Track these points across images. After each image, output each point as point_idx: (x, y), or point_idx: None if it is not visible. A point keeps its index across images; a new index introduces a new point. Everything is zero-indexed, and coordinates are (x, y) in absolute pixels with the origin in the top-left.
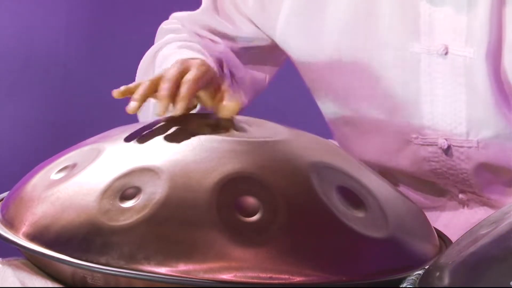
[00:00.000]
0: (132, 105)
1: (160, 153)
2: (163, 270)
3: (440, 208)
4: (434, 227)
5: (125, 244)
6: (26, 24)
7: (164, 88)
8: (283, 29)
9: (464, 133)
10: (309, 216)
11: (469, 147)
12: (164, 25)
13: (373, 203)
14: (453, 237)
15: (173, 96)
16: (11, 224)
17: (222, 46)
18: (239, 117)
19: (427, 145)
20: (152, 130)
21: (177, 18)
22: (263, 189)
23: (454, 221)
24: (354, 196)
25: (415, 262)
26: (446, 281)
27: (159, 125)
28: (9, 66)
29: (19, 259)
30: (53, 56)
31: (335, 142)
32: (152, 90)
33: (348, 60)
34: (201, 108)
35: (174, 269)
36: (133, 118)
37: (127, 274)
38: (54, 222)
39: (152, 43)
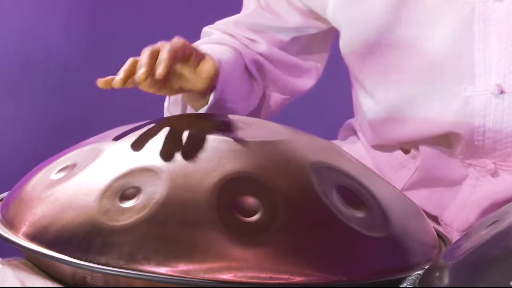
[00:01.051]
0: (116, 78)
1: (160, 153)
2: (163, 270)
3: (461, 181)
4: (434, 227)
5: (125, 244)
6: (26, 24)
7: (144, 57)
8: (334, 6)
9: None
10: (309, 216)
11: None
12: (207, 28)
13: (373, 203)
14: (476, 207)
15: (152, 65)
16: (11, 224)
17: (263, 45)
18: (239, 117)
19: (477, 96)
20: (152, 130)
21: (219, 23)
22: (263, 189)
23: (477, 191)
24: (354, 196)
25: (415, 262)
26: (446, 281)
27: (159, 125)
28: (9, 66)
29: (19, 259)
30: (53, 56)
31: (336, 143)
32: (134, 66)
33: (399, 22)
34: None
35: (174, 269)
36: (133, 119)
37: (127, 274)
38: (54, 222)
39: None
